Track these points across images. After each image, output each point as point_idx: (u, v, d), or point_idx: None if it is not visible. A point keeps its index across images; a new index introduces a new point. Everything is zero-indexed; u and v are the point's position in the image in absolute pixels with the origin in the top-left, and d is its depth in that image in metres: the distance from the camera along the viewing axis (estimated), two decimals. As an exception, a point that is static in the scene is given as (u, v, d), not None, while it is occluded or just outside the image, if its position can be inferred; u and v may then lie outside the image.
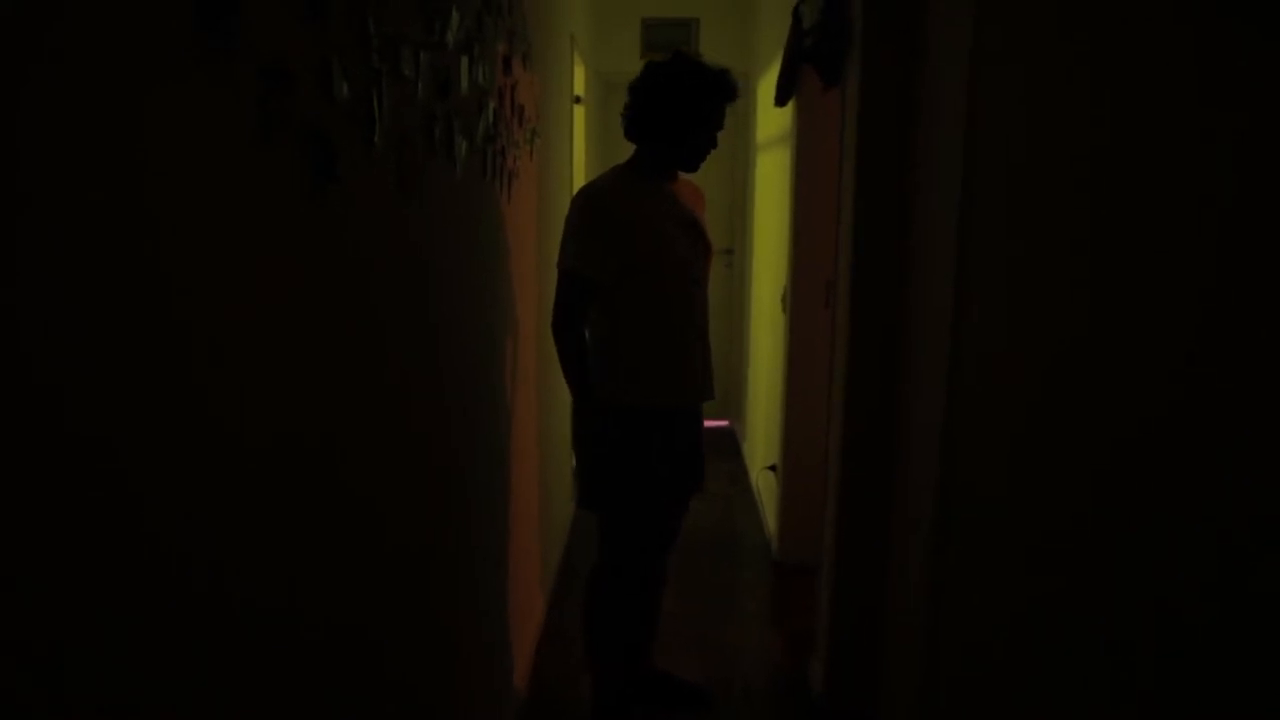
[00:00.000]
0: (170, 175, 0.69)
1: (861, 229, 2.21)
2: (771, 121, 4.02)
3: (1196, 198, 0.97)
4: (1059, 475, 1.26)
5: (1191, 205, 0.97)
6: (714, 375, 2.35)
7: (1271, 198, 0.85)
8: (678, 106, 2.12)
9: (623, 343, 2.17)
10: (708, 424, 2.50)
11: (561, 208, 3.36)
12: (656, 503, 2.27)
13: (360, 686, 1.16)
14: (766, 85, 3.94)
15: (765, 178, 4.37)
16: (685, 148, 2.18)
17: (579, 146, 4.25)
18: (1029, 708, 1.35)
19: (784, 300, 3.49)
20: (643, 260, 2.12)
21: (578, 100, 4.15)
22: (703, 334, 2.27)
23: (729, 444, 5.24)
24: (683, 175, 2.30)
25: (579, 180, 4.18)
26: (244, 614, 0.83)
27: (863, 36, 2.14)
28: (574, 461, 2.32)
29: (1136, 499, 1.06)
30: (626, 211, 2.11)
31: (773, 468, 3.78)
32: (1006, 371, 1.48)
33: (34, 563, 0.57)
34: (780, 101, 2.96)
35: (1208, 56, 0.96)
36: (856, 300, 2.24)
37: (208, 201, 0.75)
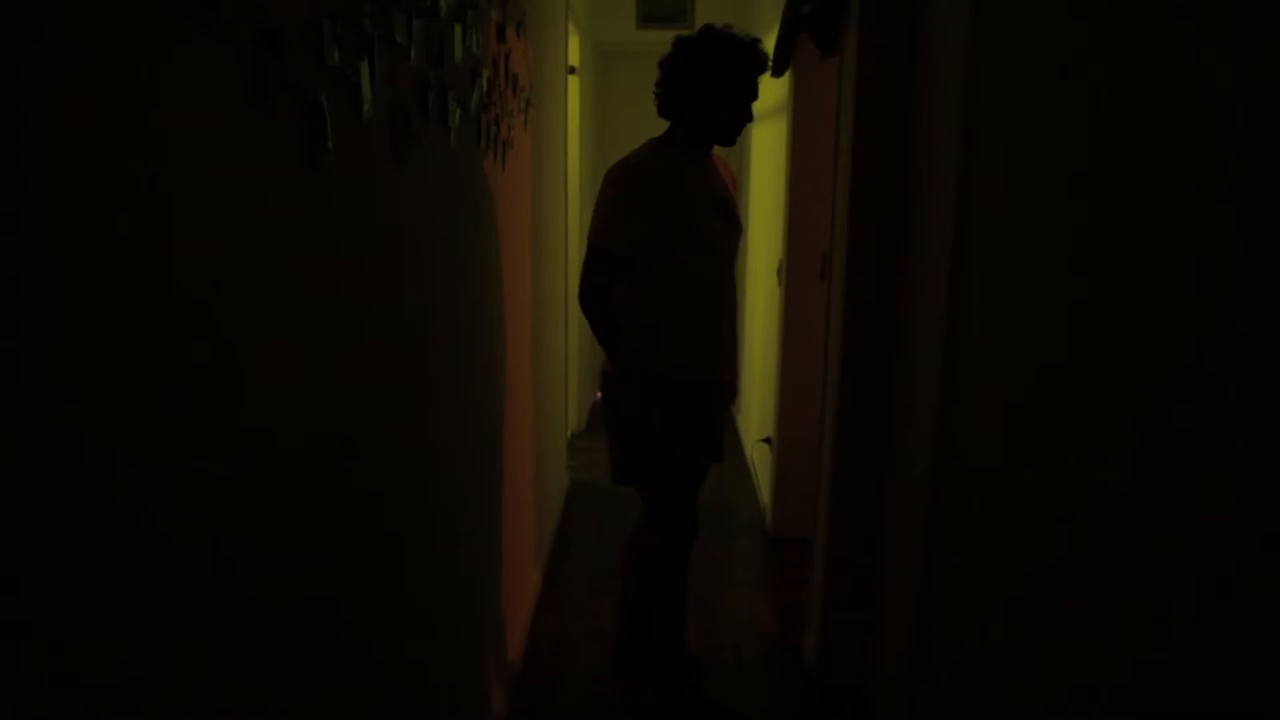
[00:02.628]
0: (162, 142, 0.68)
1: (858, 203, 2.19)
2: (768, 92, 3.97)
3: (1197, 186, 0.96)
4: (1053, 458, 1.26)
5: (1193, 193, 0.97)
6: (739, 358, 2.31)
7: (1270, 189, 0.84)
8: (708, 80, 2.09)
9: (655, 318, 2.15)
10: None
11: (556, 178, 3.34)
12: (688, 474, 2.27)
13: (359, 681, 1.16)
14: (763, 55, 3.89)
15: (761, 149, 4.34)
16: (718, 121, 2.14)
17: (574, 117, 4.20)
18: (1021, 690, 1.36)
19: (779, 273, 3.48)
20: (672, 237, 2.09)
21: (572, 70, 4.10)
22: (730, 312, 2.25)
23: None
24: (716, 153, 2.27)
25: (573, 151, 4.14)
26: (243, 611, 0.83)
27: (861, 5, 2.12)
28: (607, 441, 2.31)
29: (1130, 481, 1.06)
30: (658, 187, 2.09)
31: (768, 440, 3.79)
32: (1003, 355, 1.47)
33: (35, 561, 0.56)
34: (777, 71, 2.93)
35: (1209, 48, 0.95)
36: (852, 277, 2.23)
37: (198, 167, 0.73)
